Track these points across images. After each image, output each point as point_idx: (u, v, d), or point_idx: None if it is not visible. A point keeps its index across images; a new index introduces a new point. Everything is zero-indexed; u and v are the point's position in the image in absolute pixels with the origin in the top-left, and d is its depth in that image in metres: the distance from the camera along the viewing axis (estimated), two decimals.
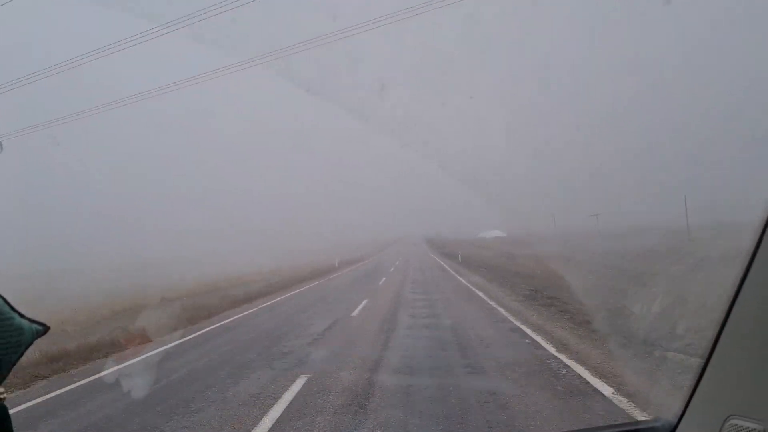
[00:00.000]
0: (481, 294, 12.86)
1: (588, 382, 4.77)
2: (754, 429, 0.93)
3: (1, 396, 0.62)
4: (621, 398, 4.24)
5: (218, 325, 10.60)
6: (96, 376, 6.53)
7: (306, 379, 5.48)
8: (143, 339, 8.60)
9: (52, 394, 5.81)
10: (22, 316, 0.64)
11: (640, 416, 3.87)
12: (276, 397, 4.88)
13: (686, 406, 1.18)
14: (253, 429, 4.09)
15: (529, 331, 7.49)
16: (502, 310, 9.84)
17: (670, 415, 1.26)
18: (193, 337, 9.10)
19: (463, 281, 17.04)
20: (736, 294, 1.02)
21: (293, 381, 5.41)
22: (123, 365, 7.14)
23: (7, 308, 0.62)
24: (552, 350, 6.19)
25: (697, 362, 4.44)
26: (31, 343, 0.64)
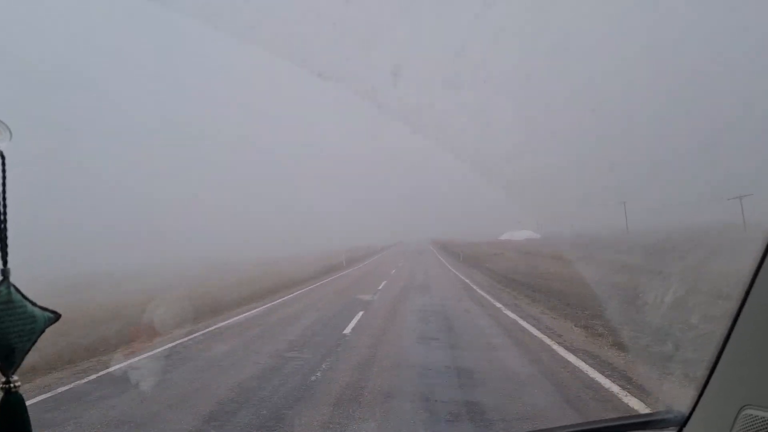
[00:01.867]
0: None
1: None
2: None
3: (17, 384, 0.63)
4: None
5: None
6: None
7: None
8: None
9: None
10: (33, 304, 0.65)
11: None
12: None
13: (699, 397, 1.16)
14: None
15: None
16: None
17: (683, 406, 1.25)
18: None
19: None
20: (751, 283, 1.01)
21: None
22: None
23: (19, 297, 0.63)
24: None
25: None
26: (43, 331, 0.65)
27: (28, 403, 0.65)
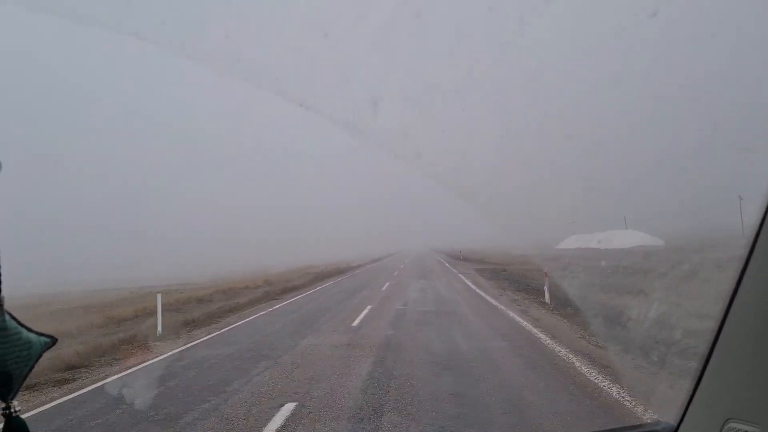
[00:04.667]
0: None
1: None
2: None
3: (17, 409, 0.63)
4: None
5: None
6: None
7: None
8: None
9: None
10: (29, 330, 0.65)
11: None
12: None
13: (686, 410, 1.18)
14: None
15: None
16: None
17: (670, 418, 1.27)
18: None
19: None
20: (733, 296, 1.02)
21: None
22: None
23: (14, 323, 0.63)
24: None
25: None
26: (40, 356, 0.65)
27: None
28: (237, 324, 11.83)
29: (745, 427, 0.95)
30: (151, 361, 8.00)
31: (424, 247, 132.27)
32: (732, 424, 0.98)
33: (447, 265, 32.26)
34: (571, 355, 6.72)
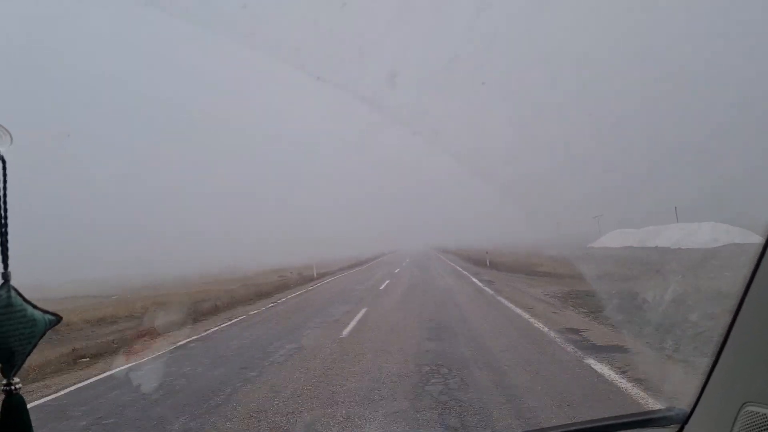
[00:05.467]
0: None
1: None
2: None
3: (18, 387, 0.64)
4: None
5: None
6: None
7: None
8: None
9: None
10: (35, 307, 0.65)
11: None
12: None
13: (700, 394, 1.16)
14: None
15: None
16: None
17: (684, 403, 1.25)
18: None
19: None
20: (751, 279, 1.00)
21: None
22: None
23: (19, 300, 0.63)
24: None
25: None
26: (44, 334, 0.66)
27: None
28: None
29: (763, 410, 0.93)
30: None
31: (423, 245, 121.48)
32: (749, 408, 0.96)
33: (479, 284, 15.63)
34: None
